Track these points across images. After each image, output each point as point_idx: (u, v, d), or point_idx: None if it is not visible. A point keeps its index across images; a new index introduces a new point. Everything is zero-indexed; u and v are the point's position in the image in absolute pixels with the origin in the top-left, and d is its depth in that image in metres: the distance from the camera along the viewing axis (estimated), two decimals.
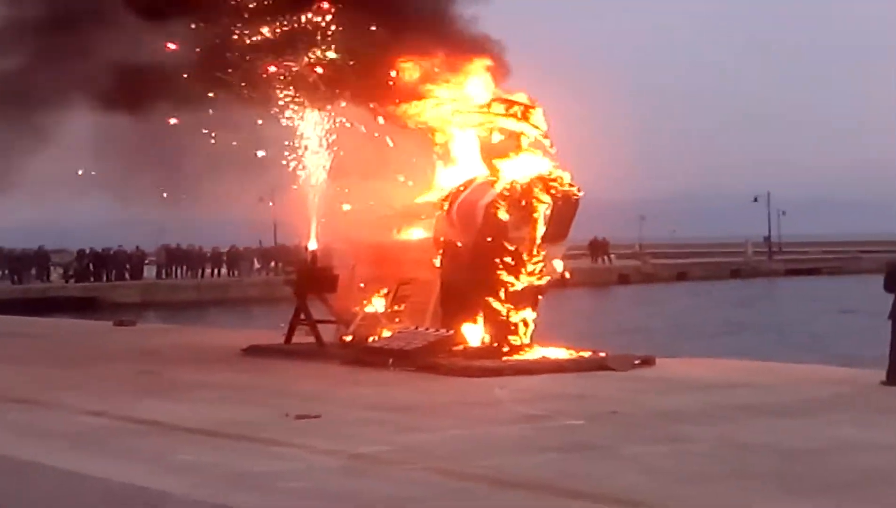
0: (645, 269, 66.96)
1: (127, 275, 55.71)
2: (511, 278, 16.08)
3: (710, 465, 9.01)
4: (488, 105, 16.96)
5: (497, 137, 16.93)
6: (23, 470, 9.15)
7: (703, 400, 12.38)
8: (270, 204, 20.89)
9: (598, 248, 67.19)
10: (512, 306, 16.10)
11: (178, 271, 57.85)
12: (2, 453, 9.83)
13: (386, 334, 16.79)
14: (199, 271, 58.14)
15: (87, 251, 55.97)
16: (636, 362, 15.45)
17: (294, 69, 17.59)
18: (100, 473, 8.80)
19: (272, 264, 55.58)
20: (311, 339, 17.92)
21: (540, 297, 16.37)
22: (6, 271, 54.13)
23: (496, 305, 16.05)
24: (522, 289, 16.12)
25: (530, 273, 16.13)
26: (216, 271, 58.97)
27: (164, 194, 19.80)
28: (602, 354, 15.98)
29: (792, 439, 10.04)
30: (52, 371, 16.55)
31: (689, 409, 11.84)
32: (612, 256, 70.28)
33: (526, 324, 16.21)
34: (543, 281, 16.27)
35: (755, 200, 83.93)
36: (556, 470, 8.74)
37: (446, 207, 16.86)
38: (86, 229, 50.12)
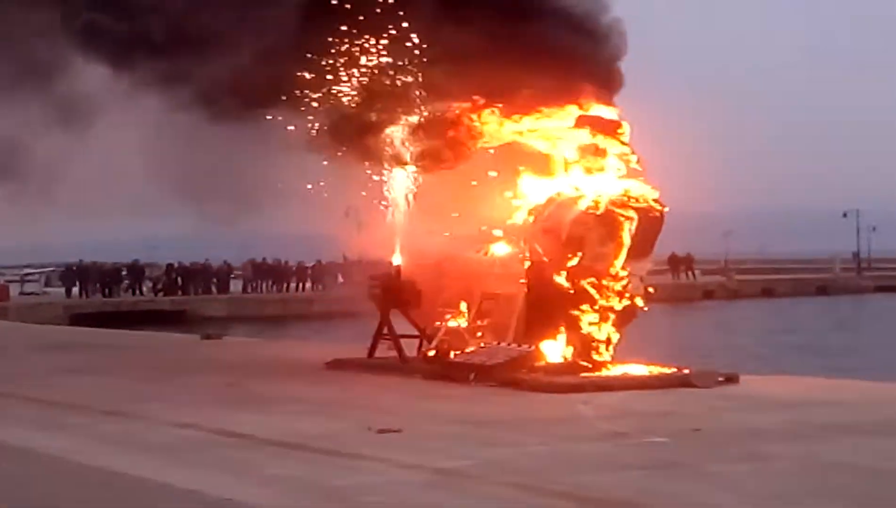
0: (730, 285, 66.19)
1: (214, 289, 56.67)
2: (596, 296, 16.07)
3: (795, 484, 8.94)
4: (575, 125, 16.98)
5: (582, 154, 16.97)
6: (115, 482, 9.38)
7: (787, 418, 12.26)
8: (353, 220, 21.06)
9: (677, 263, 66.57)
10: (596, 324, 16.09)
11: (264, 286, 58.63)
12: (94, 464, 10.09)
13: (468, 349, 16.87)
14: (285, 286, 58.84)
15: (176, 265, 57.07)
16: (720, 379, 15.31)
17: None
18: (191, 485, 9.00)
19: (356, 278, 56.04)
20: (394, 353, 18.08)
21: (629, 316, 16.31)
22: (97, 285, 55.36)
23: (582, 322, 16.06)
24: (608, 307, 16.11)
25: (616, 291, 16.11)
26: (301, 285, 59.64)
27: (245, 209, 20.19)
28: (685, 370, 15.87)
29: (877, 459, 9.91)
30: (141, 384, 16.90)
31: (773, 427, 11.74)
32: (698, 271, 69.60)
33: (609, 341, 16.20)
34: (627, 300, 16.21)
35: (844, 215, 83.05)
36: (638, 488, 8.74)
37: (531, 223, 16.92)
38: (172, 243, 51.08)
